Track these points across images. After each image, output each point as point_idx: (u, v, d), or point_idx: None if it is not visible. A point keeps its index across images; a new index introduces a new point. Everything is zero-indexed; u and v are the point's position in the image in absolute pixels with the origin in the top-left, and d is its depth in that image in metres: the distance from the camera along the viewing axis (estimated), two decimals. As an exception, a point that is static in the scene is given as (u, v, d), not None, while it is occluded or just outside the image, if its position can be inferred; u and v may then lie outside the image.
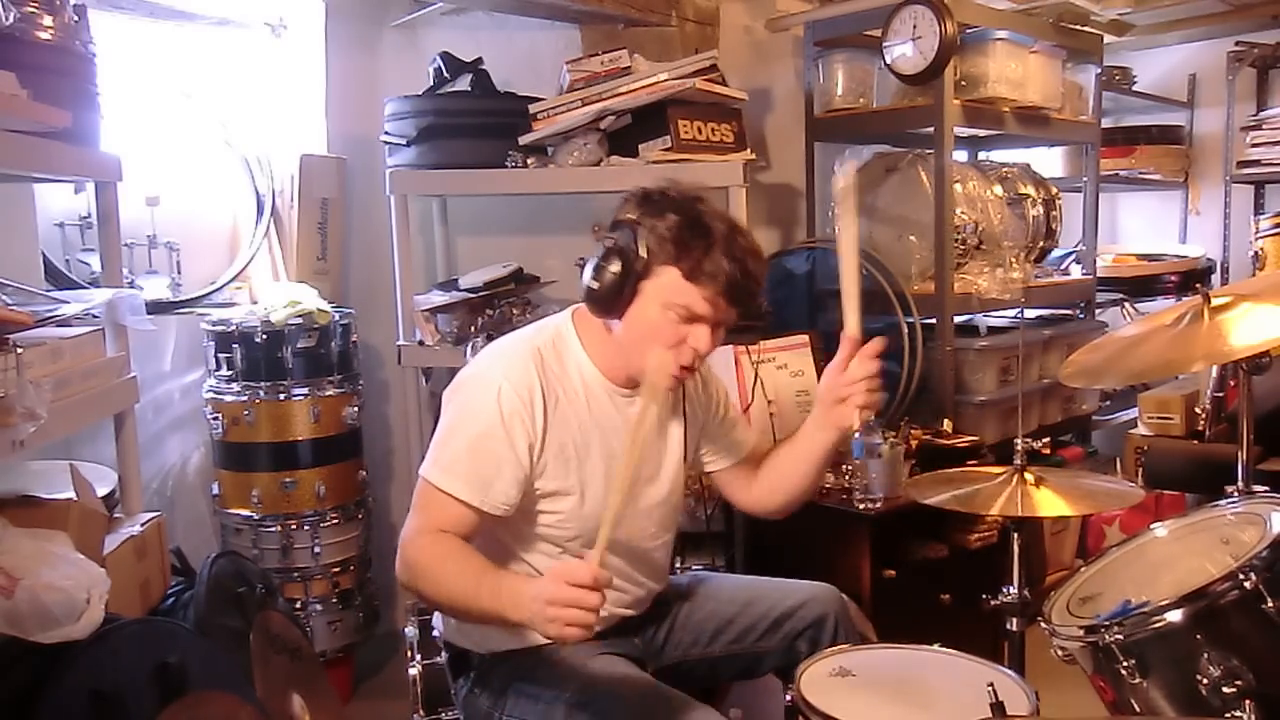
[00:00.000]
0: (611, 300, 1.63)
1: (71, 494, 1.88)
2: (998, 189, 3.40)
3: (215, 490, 2.83)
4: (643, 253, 1.59)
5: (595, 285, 1.63)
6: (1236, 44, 4.18)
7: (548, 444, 1.64)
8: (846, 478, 2.61)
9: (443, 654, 1.82)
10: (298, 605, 2.75)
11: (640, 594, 1.81)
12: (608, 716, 1.56)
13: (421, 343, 2.89)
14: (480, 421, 1.61)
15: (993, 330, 3.38)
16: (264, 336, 2.69)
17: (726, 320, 1.65)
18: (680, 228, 1.59)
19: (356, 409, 2.87)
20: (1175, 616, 1.38)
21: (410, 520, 1.61)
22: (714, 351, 1.69)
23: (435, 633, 1.85)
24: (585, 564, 1.40)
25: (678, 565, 2.17)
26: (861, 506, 2.51)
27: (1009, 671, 1.62)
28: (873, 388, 1.67)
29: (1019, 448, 1.86)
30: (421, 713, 1.86)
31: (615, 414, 1.72)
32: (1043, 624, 1.58)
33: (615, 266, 1.60)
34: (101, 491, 2.10)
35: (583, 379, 1.71)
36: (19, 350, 1.68)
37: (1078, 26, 3.62)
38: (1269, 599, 1.35)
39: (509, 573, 1.61)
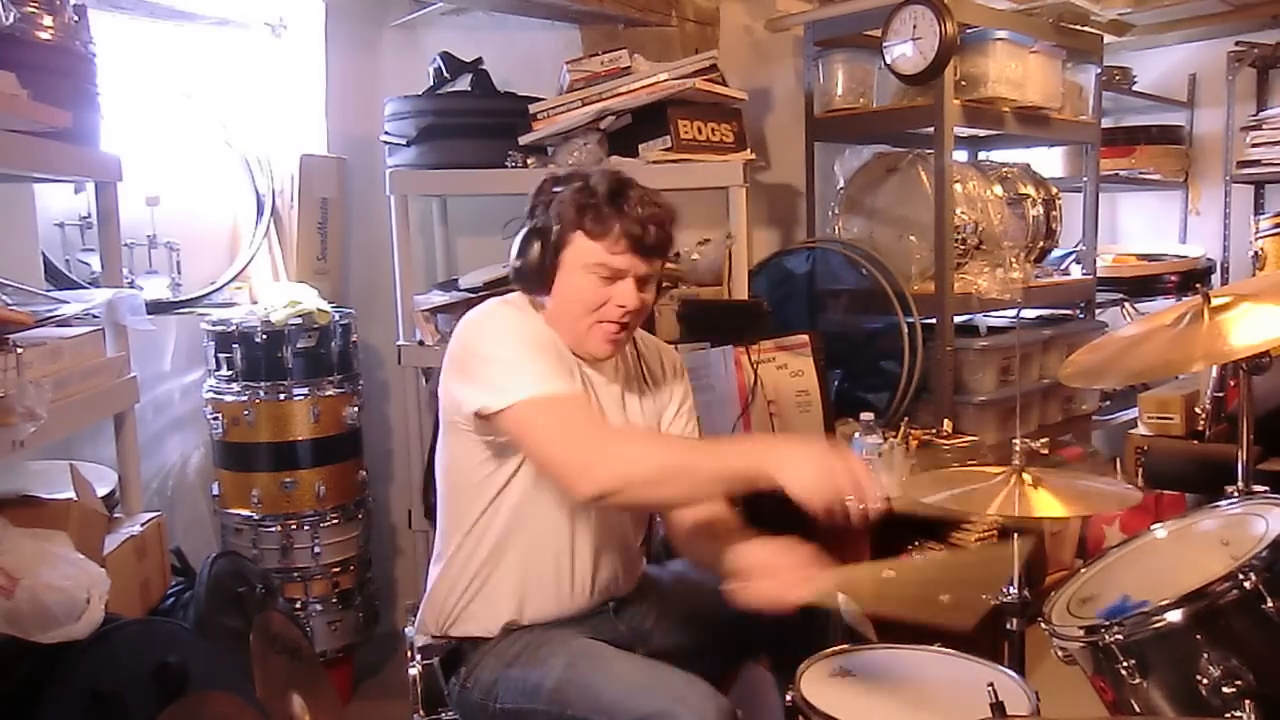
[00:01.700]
0: (537, 276, 1.71)
1: (71, 494, 1.88)
2: (998, 189, 3.40)
3: (215, 490, 2.83)
4: (554, 225, 1.68)
5: (520, 265, 1.72)
6: (1236, 44, 4.18)
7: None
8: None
9: (434, 659, 1.81)
10: (298, 605, 2.75)
11: (613, 573, 1.83)
12: (595, 688, 1.58)
13: (421, 343, 2.89)
14: (519, 337, 1.67)
15: (993, 330, 3.38)
16: (264, 336, 2.69)
17: (648, 273, 1.72)
18: (577, 193, 1.68)
19: (356, 409, 2.87)
20: (1175, 616, 1.38)
21: (557, 443, 1.55)
22: (647, 307, 1.76)
23: (424, 639, 1.85)
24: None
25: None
26: (861, 506, 2.50)
27: (1009, 671, 1.62)
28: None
29: (1017, 448, 1.86)
30: (421, 713, 1.86)
31: (579, 367, 1.76)
32: (1043, 624, 1.58)
33: (534, 243, 1.70)
34: (101, 491, 2.10)
35: (549, 334, 1.76)
36: (19, 350, 1.68)
37: (1078, 26, 3.61)
38: (1269, 599, 1.35)
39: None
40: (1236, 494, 1.87)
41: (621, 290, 1.69)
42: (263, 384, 2.71)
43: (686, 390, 1.98)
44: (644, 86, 2.75)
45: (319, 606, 2.81)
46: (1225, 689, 1.32)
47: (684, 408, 1.95)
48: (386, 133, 2.92)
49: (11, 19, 1.82)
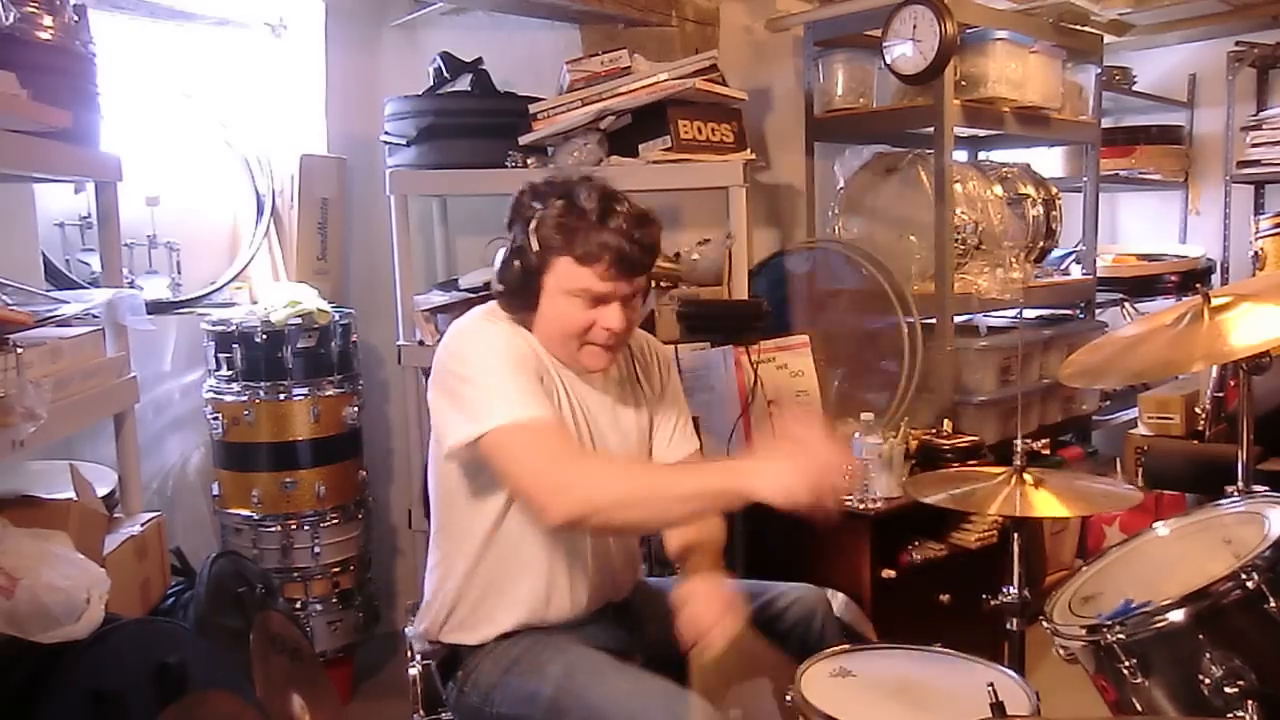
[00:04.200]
0: (520, 297, 1.69)
1: (71, 494, 1.88)
2: (998, 189, 3.40)
3: (215, 490, 2.82)
4: (536, 247, 1.64)
5: (502, 288, 1.70)
6: (1236, 44, 4.18)
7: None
8: (846, 478, 2.61)
9: (430, 661, 1.81)
10: (298, 605, 2.75)
11: (612, 579, 1.82)
12: (591, 701, 1.57)
13: (421, 343, 2.89)
14: (499, 357, 1.63)
15: (993, 330, 3.39)
16: (264, 336, 2.69)
17: (634, 291, 1.69)
18: (561, 214, 1.63)
19: (356, 409, 2.87)
20: (1177, 616, 1.38)
21: (529, 468, 1.53)
22: (635, 324, 1.74)
23: (422, 644, 1.84)
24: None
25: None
26: (861, 506, 2.51)
27: (1009, 671, 1.62)
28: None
29: (1018, 448, 1.86)
30: (421, 713, 1.86)
31: (562, 381, 1.74)
32: (1045, 623, 1.58)
33: (516, 266, 1.67)
34: (101, 491, 2.10)
35: (531, 348, 1.74)
36: (19, 350, 1.68)
37: (1078, 26, 3.62)
38: (1271, 599, 1.35)
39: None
40: (1237, 494, 1.87)
41: (608, 314, 1.67)
42: (263, 384, 2.71)
43: (677, 389, 1.95)
44: (644, 86, 2.75)
45: (319, 606, 2.80)
46: (1227, 689, 1.32)
47: (678, 416, 1.91)
48: (386, 133, 2.92)
49: (11, 19, 1.81)
